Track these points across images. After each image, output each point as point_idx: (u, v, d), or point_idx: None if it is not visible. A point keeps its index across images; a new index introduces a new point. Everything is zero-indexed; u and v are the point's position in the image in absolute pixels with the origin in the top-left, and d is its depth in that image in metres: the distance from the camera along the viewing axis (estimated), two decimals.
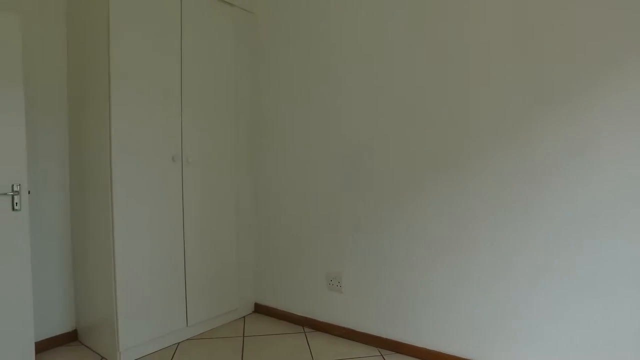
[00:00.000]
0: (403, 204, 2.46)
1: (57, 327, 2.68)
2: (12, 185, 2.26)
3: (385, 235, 2.53)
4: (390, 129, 2.50)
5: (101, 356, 2.50)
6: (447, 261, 2.31)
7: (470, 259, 2.24)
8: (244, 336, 2.79)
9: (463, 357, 2.26)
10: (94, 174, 2.46)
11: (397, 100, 2.47)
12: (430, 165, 2.36)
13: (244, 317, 3.15)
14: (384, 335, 2.55)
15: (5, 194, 2.24)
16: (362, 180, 2.62)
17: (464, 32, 2.23)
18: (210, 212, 2.86)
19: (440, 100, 2.31)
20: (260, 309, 3.21)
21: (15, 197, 2.27)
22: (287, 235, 3.02)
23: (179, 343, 2.69)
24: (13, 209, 2.26)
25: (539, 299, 2.04)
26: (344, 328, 2.73)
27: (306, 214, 2.90)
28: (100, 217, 2.43)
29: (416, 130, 2.40)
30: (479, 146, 2.19)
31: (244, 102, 3.15)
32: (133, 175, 2.42)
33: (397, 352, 2.49)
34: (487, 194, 2.18)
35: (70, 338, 2.73)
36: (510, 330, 2.13)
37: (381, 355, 2.49)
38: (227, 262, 2.99)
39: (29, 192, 2.34)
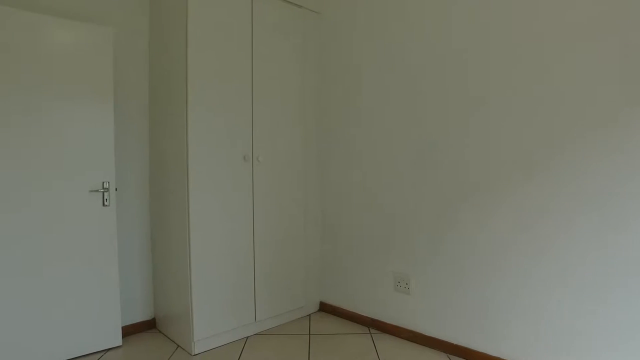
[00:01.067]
0: (479, 205, 2.34)
1: (138, 314, 2.88)
2: (103, 183, 2.46)
3: (458, 237, 2.43)
4: (463, 126, 2.40)
5: (177, 344, 2.65)
6: (537, 268, 2.16)
7: (568, 266, 2.06)
8: (310, 334, 2.82)
9: None
10: (172, 173, 2.62)
11: (470, 96, 2.36)
12: (514, 165, 2.22)
13: (309, 315, 3.19)
14: (454, 341, 2.46)
15: (97, 191, 2.45)
16: (434, 178, 2.54)
17: (539, 21, 2.08)
18: (278, 210, 2.93)
19: (517, 96, 2.18)
20: (326, 308, 3.23)
21: (105, 194, 2.47)
22: (355, 234, 3.01)
23: (247, 337, 2.78)
24: (103, 204, 2.47)
25: None
26: (411, 331, 2.66)
27: (374, 213, 2.87)
28: (177, 212, 2.58)
29: (492, 127, 2.28)
30: (575, 143, 2.03)
31: (312, 102, 3.19)
32: (208, 174, 2.53)
33: None
34: (586, 196, 2.01)
35: (149, 325, 2.92)
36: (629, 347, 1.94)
37: None
38: (294, 259, 3.04)
39: (115, 190, 2.55)
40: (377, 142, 2.83)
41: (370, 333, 2.82)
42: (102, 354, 2.54)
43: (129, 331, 2.80)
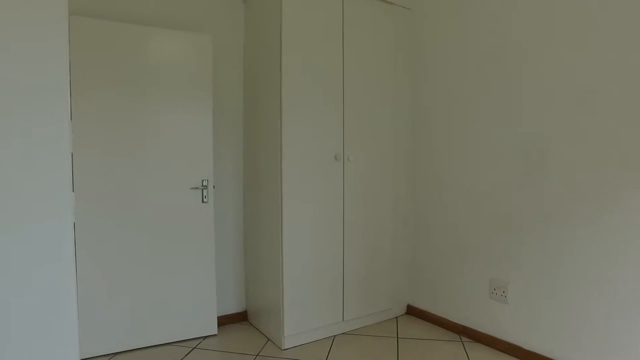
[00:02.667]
0: (588, 211, 2.12)
1: (231, 306, 3.02)
2: (202, 181, 2.62)
3: (564, 244, 2.22)
4: (573, 123, 2.18)
5: (268, 338, 2.74)
6: None
7: None
8: (397, 337, 2.76)
9: None
10: (265, 171, 2.70)
11: (581, 88, 2.14)
12: (628, 169, 1.98)
13: (396, 317, 3.13)
14: (557, 358, 2.25)
15: (197, 188, 2.61)
16: (540, 180, 2.34)
17: None
18: (368, 209, 2.90)
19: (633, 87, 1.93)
20: (413, 311, 3.14)
21: (204, 191, 2.62)
22: (447, 237, 2.88)
23: (334, 336, 2.79)
24: (202, 201, 2.62)
25: None
26: (507, 343, 2.49)
27: (470, 215, 2.72)
28: (269, 210, 2.66)
29: (604, 125, 2.05)
30: None
31: (403, 101, 3.11)
32: (300, 172, 2.58)
33: None
34: None
35: (241, 317, 3.06)
36: None
37: None
38: (383, 260, 3.00)
39: (214, 187, 2.69)
40: (476, 141, 2.69)
41: (461, 341, 2.69)
42: (200, 340, 2.71)
43: (222, 322, 2.96)
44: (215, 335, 2.78)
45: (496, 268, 2.55)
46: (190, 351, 2.56)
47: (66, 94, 1.37)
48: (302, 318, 2.62)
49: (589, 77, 2.11)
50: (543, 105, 2.30)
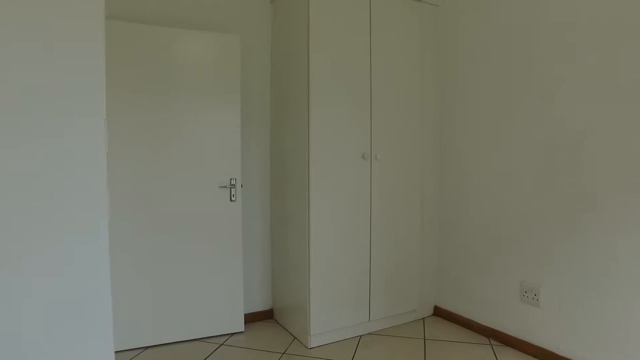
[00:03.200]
0: (629, 209, 2.04)
1: (258, 304, 3.05)
2: (230, 180, 2.65)
3: (600, 245, 2.14)
4: (609, 117, 2.10)
5: (293, 336, 2.76)
6: None
7: None
8: (424, 339, 2.72)
9: None
10: (292, 170, 2.72)
11: (620, 80, 2.06)
12: None
13: (423, 318, 3.09)
14: None
15: (225, 186, 2.65)
16: (574, 177, 2.27)
17: None
18: (395, 209, 2.88)
19: None
20: (440, 313, 3.10)
21: (232, 189, 2.66)
22: (476, 238, 2.83)
23: (360, 336, 2.78)
24: (230, 200, 2.66)
25: None
26: (539, 347, 2.42)
27: (500, 215, 2.67)
28: (297, 209, 2.67)
29: None
30: None
31: (430, 99, 3.07)
32: (327, 171, 2.58)
33: None
34: None
35: (267, 315, 3.08)
36: None
37: None
38: (410, 261, 2.97)
39: (241, 186, 2.73)
40: (506, 139, 2.62)
41: (490, 344, 2.63)
42: (227, 337, 2.74)
43: (248, 319, 2.99)
44: (242, 332, 2.82)
45: (527, 270, 2.49)
46: (218, 347, 2.60)
47: (102, 95, 1.42)
48: (328, 317, 2.63)
49: (630, 69, 2.02)
50: (577, 100, 2.23)
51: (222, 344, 2.64)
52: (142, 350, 2.55)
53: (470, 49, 2.84)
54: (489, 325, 2.73)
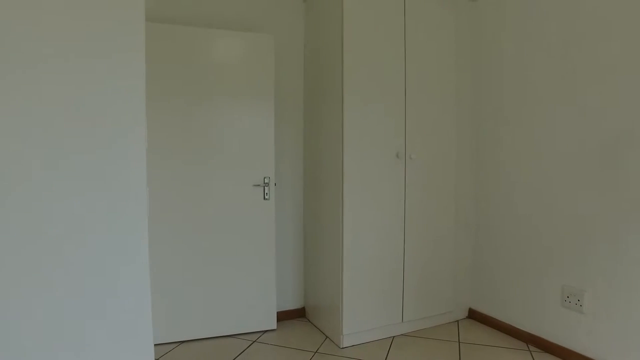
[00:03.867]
0: None
1: (290, 302, 3.06)
2: (264, 179, 2.67)
3: None
4: None
5: (326, 335, 2.75)
6: None
7: None
8: (459, 342, 2.66)
9: None
10: (326, 169, 2.71)
11: None
12: None
13: (457, 321, 3.02)
14: None
15: (259, 185, 2.67)
16: (624, 178, 2.16)
17: None
18: (430, 209, 2.82)
19: None
20: (475, 316, 3.02)
21: (266, 188, 2.68)
22: (514, 240, 2.74)
23: (393, 337, 2.74)
24: (264, 198, 2.68)
25: None
26: (583, 356, 2.31)
27: (540, 217, 2.56)
28: (330, 208, 2.66)
29: None
30: None
31: (466, 97, 3.00)
32: (361, 171, 2.56)
33: None
34: None
35: (299, 314, 3.09)
36: None
37: None
38: (444, 262, 2.90)
39: (275, 184, 2.74)
40: (550, 138, 2.52)
41: (529, 350, 2.54)
42: (260, 334, 2.77)
43: (280, 317, 3.00)
44: (274, 330, 2.84)
45: (570, 274, 2.39)
46: (251, 344, 2.63)
47: (142, 95, 1.45)
48: (360, 317, 2.61)
49: None
50: (627, 95, 2.11)
51: (254, 341, 2.67)
52: (177, 344, 2.61)
53: (509, 44, 2.74)
54: (527, 330, 2.64)
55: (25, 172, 1.27)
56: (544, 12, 2.52)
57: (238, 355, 2.48)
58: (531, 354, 2.50)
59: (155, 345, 2.57)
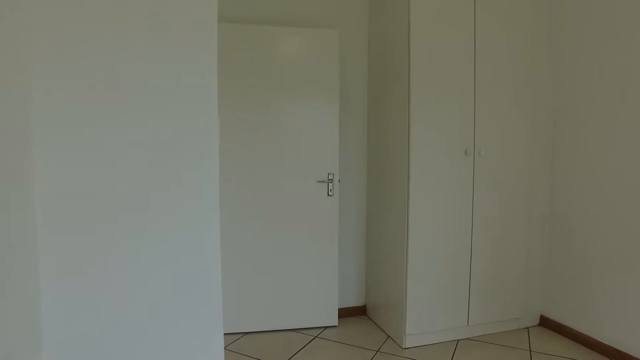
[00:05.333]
0: None
1: (351, 299, 3.05)
2: (328, 175, 2.68)
3: None
4: None
5: (387, 335, 2.71)
6: None
7: None
8: (530, 351, 2.51)
9: None
10: (391, 166, 2.66)
11: None
12: None
13: (527, 328, 2.85)
14: None
15: (323, 181, 2.68)
16: None
17: None
18: (500, 208, 2.68)
19: None
20: (548, 324, 2.84)
21: (330, 184, 2.68)
22: (597, 244, 2.52)
23: (458, 340, 2.65)
24: (328, 194, 2.68)
25: None
26: None
27: (630, 220, 2.34)
28: (394, 205, 2.61)
29: None
30: None
31: (542, 89, 2.80)
32: (428, 167, 2.49)
33: None
34: None
35: (360, 311, 3.07)
36: None
37: None
38: (515, 264, 2.75)
39: (339, 181, 2.73)
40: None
41: None
42: (321, 330, 2.79)
43: (341, 314, 2.99)
44: (335, 326, 2.84)
45: None
46: (312, 339, 2.65)
47: (215, 93, 1.48)
48: (424, 318, 2.54)
49: None
50: None
51: (316, 337, 2.69)
52: (241, 335, 2.69)
53: (593, 35, 2.53)
54: (612, 345, 2.42)
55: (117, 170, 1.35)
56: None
57: (299, 350, 2.51)
58: None
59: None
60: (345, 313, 3.02)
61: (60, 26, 1.27)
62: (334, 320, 2.82)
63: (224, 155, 2.55)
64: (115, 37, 1.33)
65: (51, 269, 1.30)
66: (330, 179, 2.68)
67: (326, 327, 2.82)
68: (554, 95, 2.80)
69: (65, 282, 1.31)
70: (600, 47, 2.48)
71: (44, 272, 1.29)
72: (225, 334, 2.67)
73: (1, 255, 1.11)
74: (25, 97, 1.24)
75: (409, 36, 2.41)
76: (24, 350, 1.23)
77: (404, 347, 2.53)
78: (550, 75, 2.81)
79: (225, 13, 2.65)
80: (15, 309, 1.18)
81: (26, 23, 1.23)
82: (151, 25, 1.37)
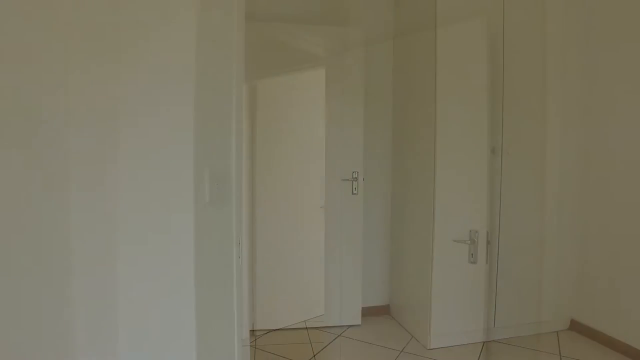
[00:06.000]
0: None
1: (374, 298, 3.03)
2: (353, 173, 2.67)
3: None
4: None
5: (411, 335, 2.69)
6: None
7: None
8: (560, 355, 2.45)
9: None
10: (416, 164, 2.64)
11: None
12: None
13: (556, 332, 2.78)
14: None
15: (347, 179, 2.68)
16: None
17: None
18: (527, 209, 2.63)
19: None
20: (578, 328, 2.75)
21: (354, 183, 2.67)
22: (633, 247, 2.42)
23: (484, 342, 2.60)
24: (352, 193, 2.68)
25: None
26: None
27: None
28: (420, 205, 2.59)
29: None
30: None
31: (574, 86, 2.71)
32: (454, 166, 2.46)
33: None
34: None
35: (383, 311, 3.05)
36: None
37: None
38: (543, 266, 2.68)
39: (363, 179, 2.73)
40: None
41: None
42: (344, 328, 2.78)
43: (364, 312, 2.97)
44: (359, 325, 2.83)
45: None
46: (336, 338, 2.65)
47: (241, 91, 1.49)
48: (449, 318, 2.51)
49: None
50: None
51: (339, 335, 2.69)
52: (265, 332, 2.71)
53: (626, 31, 2.43)
54: None
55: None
56: None
57: (323, 348, 2.51)
58: None
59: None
60: (368, 312, 3.00)
61: None
62: (357, 319, 2.81)
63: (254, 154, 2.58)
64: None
65: None
66: (355, 177, 2.67)
67: (350, 326, 2.82)
68: (587, 91, 2.71)
69: None
70: (633, 44, 2.39)
71: None
72: (250, 331, 2.70)
73: None
74: None
75: (436, 32, 2.37)
76: None
77: (428, 348, 2.50)
78: (582, 70, 2.72)
79: (250, 10, 2.67)
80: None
81: None
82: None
